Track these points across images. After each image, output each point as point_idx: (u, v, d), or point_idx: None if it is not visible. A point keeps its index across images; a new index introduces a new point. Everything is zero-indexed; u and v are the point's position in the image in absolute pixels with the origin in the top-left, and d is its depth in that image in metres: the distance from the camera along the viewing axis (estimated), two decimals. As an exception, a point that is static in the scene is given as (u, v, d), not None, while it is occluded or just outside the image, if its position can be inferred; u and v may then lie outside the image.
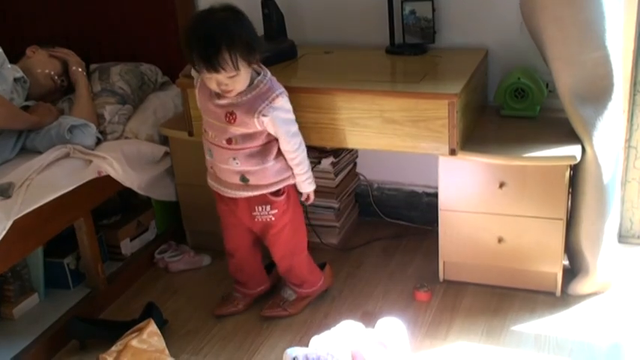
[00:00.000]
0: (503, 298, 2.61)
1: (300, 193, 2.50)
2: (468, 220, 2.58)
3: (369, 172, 3.17)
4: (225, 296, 2.68)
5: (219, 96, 2.26)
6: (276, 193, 2.41)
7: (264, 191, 2.38)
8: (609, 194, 2.47)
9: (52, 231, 2.47)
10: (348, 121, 2.48)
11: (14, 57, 2.78)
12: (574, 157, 2.37)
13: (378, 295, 2.67)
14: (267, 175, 2.35)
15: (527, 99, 2.64)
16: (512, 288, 2.64)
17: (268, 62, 2.72)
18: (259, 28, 2.83)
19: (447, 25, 2.79)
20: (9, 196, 2.29)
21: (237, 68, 2.13)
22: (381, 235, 3.09)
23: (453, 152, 2.42)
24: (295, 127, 2.35)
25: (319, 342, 2.13)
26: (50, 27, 3.27)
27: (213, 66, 2.12)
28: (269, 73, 2.30)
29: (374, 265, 2.90)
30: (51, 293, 2.70)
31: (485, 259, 2.63)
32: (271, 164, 2.34)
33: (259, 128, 2.27)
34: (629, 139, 2.77)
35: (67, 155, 2.57)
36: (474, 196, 2.54)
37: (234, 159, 2.31)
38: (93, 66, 2.99)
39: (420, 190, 3.10)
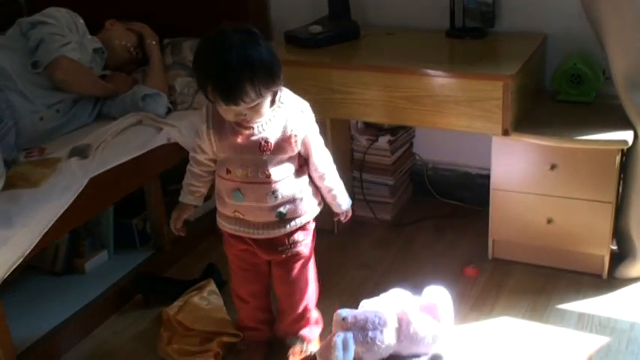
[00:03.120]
0: (549, 277, 2.68)
1: (336, 214, 2.27)
2: (519, 199, 2.66)
3: (425, 152, 3.27)
4: (239, 351, 2.39)
5: (240, 125, 1.98)
6: (310, 221, 2.19)
7: (302, 222, 2.13)
8: (660, 180, 2.51)
9: (123, 191, 2.64)
10: (407, 99, 2.58)
11: (94, 29, 2.95)
12: (626, 142, 2.42)
13: (427, 269, 2.76)
14: (305, 204, 2.12)
15: (583, 85, 2.69)
16: (559, 269, 2.71)
17: (331, 41, 2.85)
18: (324, 9, 2.96)
19: (506, 10, 2.86)
20: (86, 157, 2.47)
21: (260, 97, 1.87)
22: (434, 214, 3.19)
23: (505, 132, 2.50)
24: (321, 139, 2.14)
25: (368, 305, 2.24)
26: (128, 2, 3.44)
27: (233, 99, 1.84)
28: (283, 87, 2.02)
29: (425, 241, 3.00)
30: (119, 251, 2.89)
31: (534, 239, 2.70)
32: (307, 190, 2.12)
33: (295, 150, 2.04)
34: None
35: (139, 122, 2.74)
36: (525, 176, 2.62)
37: (274, 193, 2.03)
38: (166, 40, 3.15)
39: (473, 171, 3.18)
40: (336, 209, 2.24)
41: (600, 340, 2.34)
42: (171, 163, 2.83)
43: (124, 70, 2.98)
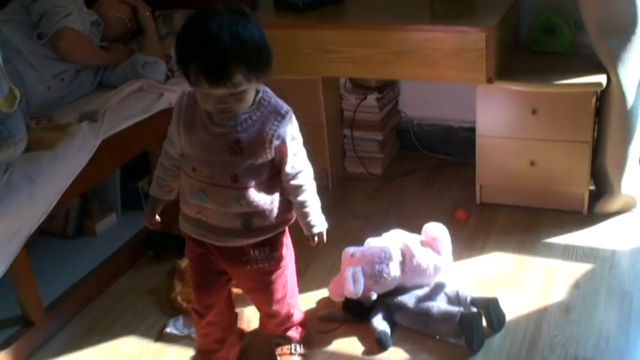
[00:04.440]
0: (534, 216, 2.88)
1: (307, 237, 2.01)
2: (503, 145, 2.84)
3: (410, 109, 3.44)
4: None
5: (214, 122, 1.82)
6: (280, 233, 2.00)
7: (269, 235, 1.94)
8: (632, 119, 2.71)
9: (131, 153, 2.77)
10: (395, 55, 2.74)
11: (88, 2, 3.06)
12: (600, 84, 2.62)
13: (420, 215, 2.92)
14: (274, 215, 1.92)
15: (556, 35, 2.88)
16: (542, 208, 2.91)
17: (319, 4, 2.99)
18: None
19: (483, -31, 3.04)
20: (95, 121, 2.59)
21: (248, 82, 1.70)
22: (421, 167, 3.36)
23: (489, 80, 2.68)
24: (304, 150, 1.94)
25: (373, 242, 2.41)
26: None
27: (219, 78, 1.66)
28: (268, 89, 1.88)
29: (415, 192, 3.17)
30: (126, 213, 3.03)
31: (519, 182, 2.89)
32: (278, 201, 1.92)
33: (269, 156, 1.85)
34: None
35: (140, 89, 2.86)
36: (508, 122, 2.80)
37: (238, 200, 1.85)
38: (157, 12, 3.27)
39: (456, 124, 3.36)
40: (306, 231, 1.98)
41: (585, 267, 2.55)
42: (173, 127, 2.95)
43: (120, 42, 3.09)
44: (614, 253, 2.61)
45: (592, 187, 2.90)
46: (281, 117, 1.84)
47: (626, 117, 2.70)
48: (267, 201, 1.89)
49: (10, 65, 2.57)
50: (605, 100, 2.73)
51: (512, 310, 2.34)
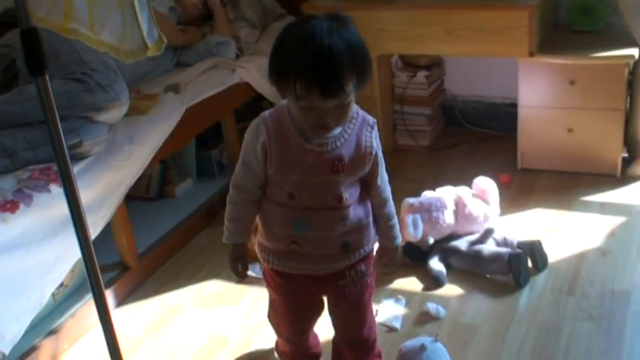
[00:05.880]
0: (572, 180, 3.16)
1: (386, 250, 1.93)
2: (543, 114, 3.13)
3: (455, 87, 3.74)
4: None
5: (308, 140, 1.67)
6: (372, 250, 1.89)
7: (366, 252, 1.83)
8: (662, 89, 3.00)
9: (209, 122, 3.11)
10: (446, 32, 3.05)
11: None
12: (632, 57, 2.91)
13: (467, 178, 3.13)
14: (370, 231, 1.83)
15: (592, 15, 3.17)
16: (579, 172, 3.19)
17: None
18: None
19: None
20: (179, 92, 2.92)
21: (355, 91, 1.60)
22: (466, 140, 3.66)
23: (531, 54, 2.97)
24: None
25: (429, 194, 2.70)
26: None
27: (334, 89, 1.54)
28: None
29: (461, 161, 3.47)
30: (200, 179, 3.36)
31: (557, 148, 3.18)
32: (370, 215, 1.83)
33: (367, 169, 1.76)
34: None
35: (215, 66, 3.20)
36: (547, 93, 3.09)
37: (342, 220, 1.74)
38: (224, -1, 3.62)
39: (499, 101, 3.65)
40: (389, 243, 1.89)
41: (619, 220, 2.83)
42: (243, 100, 3.29)
43: (194, 25, 3.43)
44: (647, 209, 2.89)
45: (625, 155, 3.18)
46: (371, 127, 1.74)
47: (656, 87, 2.98)
48: (364, 216, 1.79)
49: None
50: (637, 72, 3.01)
51: (554, 254, 2.62)
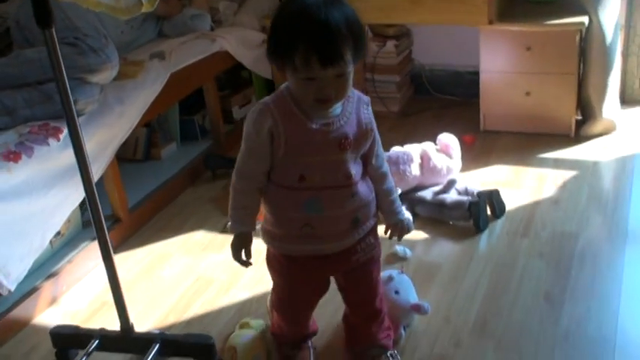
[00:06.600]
0: (529, 138, 3.42)
1: (392, 226, 1.97)
2: (503, 78, 3.38)
3: (423, 57, 3.99)
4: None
5: (313, 121, 1.71)
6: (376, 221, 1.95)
7: (371, 225, 1.90)
8: (611, 54, 3.25)
9: (192, 87, 3.31)
10: (410, 2, 3.28)
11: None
12: (582, 24, 3.16)
13: (434, 139, 3.46)
14: (374, 204, 1.89)
15: (548, -14, 3.42)
16: (536, 133, 3.44)
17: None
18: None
19: None
20: (164, 59, 3.13)
21: (353, 62, 1.63)
22: (433, 106, 3.91)
23: (490, 22, 3.22)
24: None
25: (397, 148, 2.94)
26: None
27: (332, 55, 1.58)
28: None
29: (428, 125, 3.71)
30: (184, 143, 3.57)
31: (516, 110, 3.43)
32: (373, 191, 1.88)
33: (368, 145, 1.82)
34: (629, 19, 3.53)
35: (197, 37, 3.41)
36: (506, 58, 3.34)
37: (353, 196, 1.80)
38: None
39: (463, 69, 3.90)
40: (393, 218, 1.94)
41: (571, 173, 3.09)
42: (223, 68, 3.51)
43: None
44: (595, 163, 3.16)
45: (578, 117, 3.44)
46: (367, 105, 1.81)
47: (605, 52, 3.23)
48: (370, 191, 1.85)
49: (94, 12, 3.10)
50: (587, 38, 3.26)
51: (511, 203, 2.88)
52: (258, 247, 1.90)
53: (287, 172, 1.76)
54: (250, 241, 1.84)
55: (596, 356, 2.06)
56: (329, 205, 1.76)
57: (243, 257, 1.84)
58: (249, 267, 1.86)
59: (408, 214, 2.67)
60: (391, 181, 1.91)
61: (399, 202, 1.94)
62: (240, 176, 1.81)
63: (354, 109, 1.76)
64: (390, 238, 1.98)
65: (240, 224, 1.83)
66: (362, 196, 1.81)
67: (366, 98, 1.82)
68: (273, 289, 2.05)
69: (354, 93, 1.78)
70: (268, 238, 1.87)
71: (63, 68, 1.82)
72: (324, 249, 1.82)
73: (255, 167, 1.78)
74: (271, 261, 1.94)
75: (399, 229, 1.95)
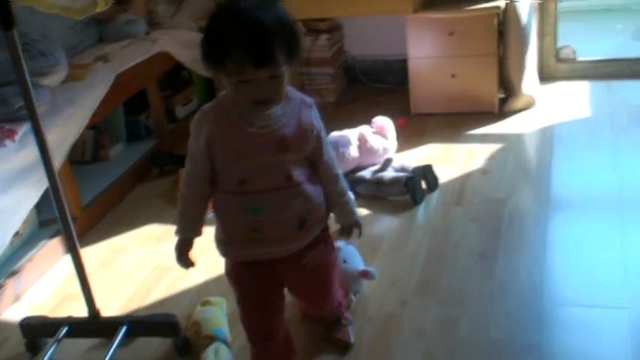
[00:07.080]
0: (457, 117, 3.67)
1: (347, 228, 1.99)
2: (429, 63, 3.61)
3: (354, 49, 4.21)
4: None
5: (251, 124, 1.71)
6: (327, 226, 1.95)
7: (320, 227, 1.89)
8: (527, 35, 3.52)
9: (136, 88, 3.44)
10: (338, -5, 3.49)
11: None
12: (499, 7, 3.42)
13: (370, 124, 3.66)
14: (324, 207, 1.88)
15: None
16: (463, 112, 3.69)
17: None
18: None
19: None
20: (108, 61, 3.25)
21: (287, 64, 1.63)
22: (367, 95, 4.13)
23: (415, 11, 3.45)
24: None
25: (335, 133, 3.13)
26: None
27: (264, 56, 1.58)
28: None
29: (363, 112, 3.88)
30: (130, 142, 3.70)
31: (443, 92, 3.67)
32: (322, 194, 1.87)
33: (309, 147, 1.79)
34: (542, 2, 3.81)
35: (139, 40, 3.54)
36: (432, 44, 3.57)
37: (296, 197, 1.79)
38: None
39: (392, 58, 4.12)
40: (346, 219, 1.96)
41: (498, 146, 3.34)
42: (165, 68, 3.64)
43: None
44: (519, 135, 3.42)
45: (501, 96, 3.70)
46: (309, 107, 1.80)
47: (522, 33, 3.50)
48: (318, 193, 1.84)
49: (40, 16, 3.19)
50: (505, 21, 3.52)
51: (444, 176, 3.10)
52: (210, 235, 1.91)
53: (229, 176, 1.77)
54: (190, 246, 1.87)
55: (528, 301, 2.28)
56: (272, 207, 1.77)
57: (184, 261, 1.89)
58: (194, 265, 1.90)
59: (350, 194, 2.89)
60: (343, 182, 1.92)
61: (353, 202, 1.96)
62: (184, 182, 1.84)
63: (296, 111, 1.76)
64: (340, 237, 2.03)
65: (183, 229, 1.87)
66: (308, 198, 1.81)
67: (310, 100, 1.82)
68: (237, 302, 1.98)
69: (296, 95, 1.79)
70: (219, 245, 1.88)
71: (25, 68, 1.94)
72: (271, 252, 1.83)
73: (195, 176, 1.80)
74: (228, 270, 1.94)
75: (350, 231, 1.98)
